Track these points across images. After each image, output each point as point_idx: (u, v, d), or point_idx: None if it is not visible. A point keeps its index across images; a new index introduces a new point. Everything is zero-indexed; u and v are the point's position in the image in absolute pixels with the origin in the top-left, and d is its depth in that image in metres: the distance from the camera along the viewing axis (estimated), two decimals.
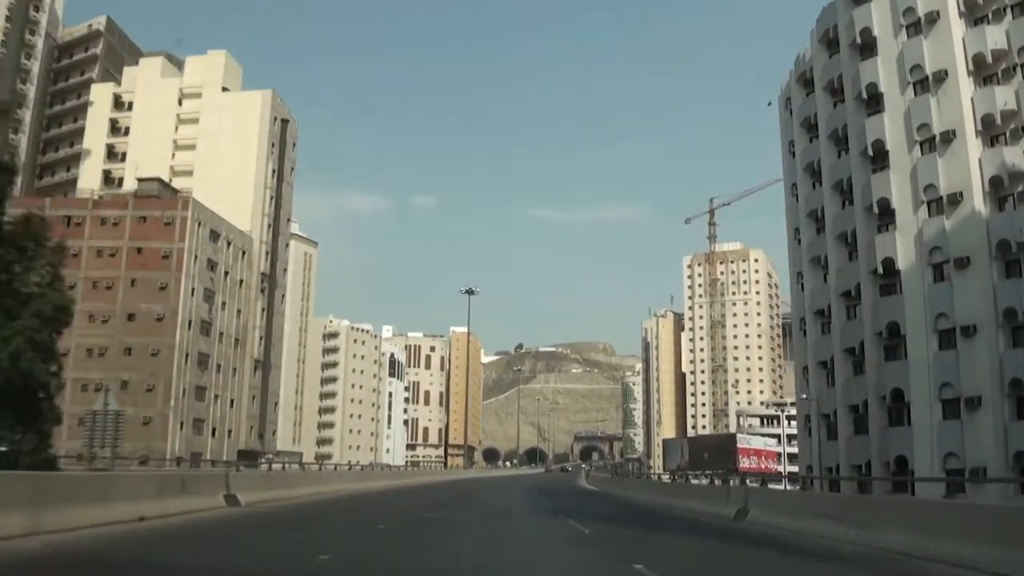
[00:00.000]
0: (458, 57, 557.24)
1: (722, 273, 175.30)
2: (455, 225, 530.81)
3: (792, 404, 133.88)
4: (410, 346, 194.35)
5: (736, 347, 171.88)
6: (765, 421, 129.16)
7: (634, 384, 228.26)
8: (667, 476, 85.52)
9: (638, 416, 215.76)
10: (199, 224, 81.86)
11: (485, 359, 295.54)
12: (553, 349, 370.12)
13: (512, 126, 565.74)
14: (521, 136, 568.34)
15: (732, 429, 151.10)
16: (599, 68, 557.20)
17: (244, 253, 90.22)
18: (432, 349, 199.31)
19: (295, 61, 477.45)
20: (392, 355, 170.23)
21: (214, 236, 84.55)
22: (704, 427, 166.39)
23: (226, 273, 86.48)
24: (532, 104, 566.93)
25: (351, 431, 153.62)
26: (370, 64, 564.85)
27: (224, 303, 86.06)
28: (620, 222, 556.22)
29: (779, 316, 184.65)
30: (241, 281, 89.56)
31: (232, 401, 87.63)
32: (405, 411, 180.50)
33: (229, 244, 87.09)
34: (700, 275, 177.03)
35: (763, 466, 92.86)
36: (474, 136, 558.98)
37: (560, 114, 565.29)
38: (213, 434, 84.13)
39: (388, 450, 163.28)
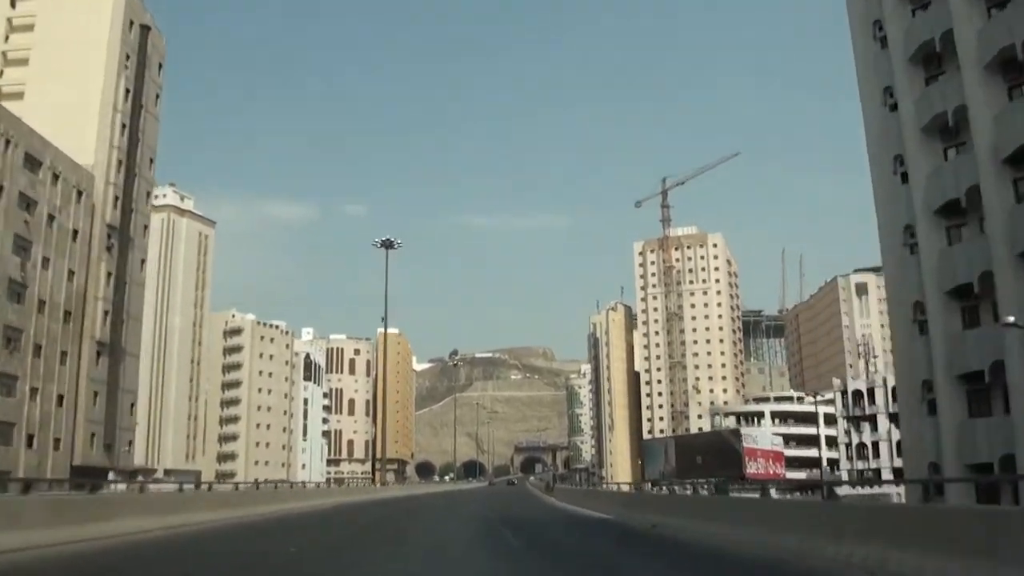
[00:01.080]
0: (389, 63, 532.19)
1: (678, 260, 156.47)
2: (385, 232, 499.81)
3: (777, 399, 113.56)
4: (332, 349, 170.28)
5: (696, 342, 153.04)
6: (744, 419, 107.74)
7: (580, 387, 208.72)
8: (650, 487, 62.43)
9: (585, 422, 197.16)
10: (8, 142, 56.05)
11: (418, 366, 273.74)
12: (490, 355, 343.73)
13: (444, 133, 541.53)
14: (456, 145, 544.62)
15: (694, 431, 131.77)
16: (535, 61, 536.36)
17: (81, 195, 64.12)
18: (356, 352, 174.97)
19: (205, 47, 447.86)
20: (308, 356, 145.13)
21: (32, 164, 58.62)
22: (662, 431, 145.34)
23: (51, 218, 60.44)
24: (466, 108, 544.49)
25: (259, 444, 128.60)
26: (303, 70, 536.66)
27: (47, 259, 59.99)
28: (556, 228, 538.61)
29: (739, 308, 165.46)
30: (75, 232, 63.52)
31: (61, 398, 61.35)
32: (326, 421, 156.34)
33: (57, 178, 61.04)
34: (653, 263, 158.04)
35: (771, 471, 70.44)
36: (408, 145, 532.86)
37: (494, 118, 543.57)
38: (29, 444, 57.74)
39: (304, 465, 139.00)
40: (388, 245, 65.41)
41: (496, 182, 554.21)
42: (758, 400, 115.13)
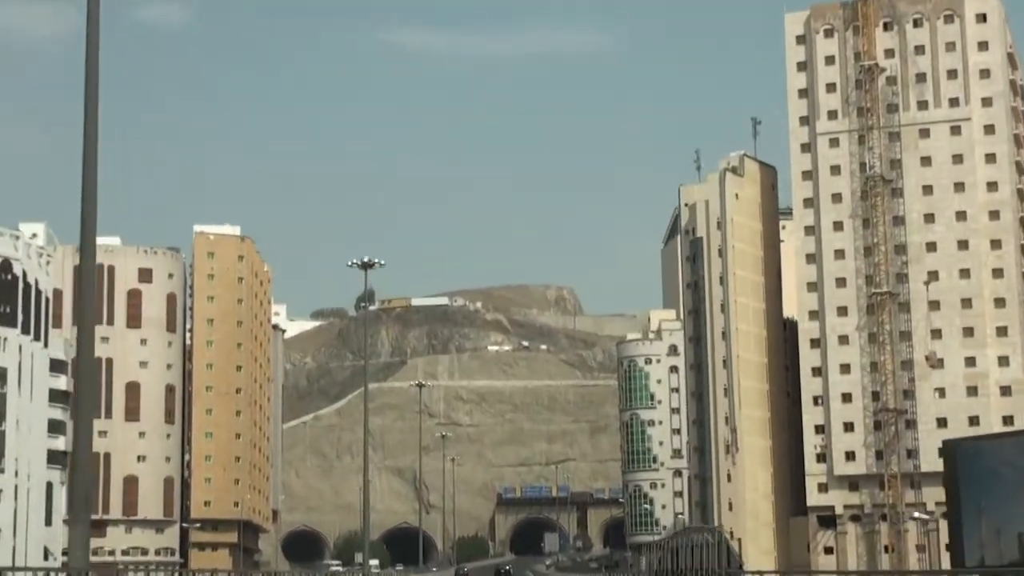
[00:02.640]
0: None
1: (889, 53, 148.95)
2: (226, 58, 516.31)
3: None
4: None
5: (933, 246, 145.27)
6: None
7: (648, 363, 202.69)
8: None
9: (660, 439, 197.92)
10: None
11: (292, 326, 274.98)
12: (445, 302, 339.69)
13: None
14: None
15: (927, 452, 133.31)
16: None
17: None
18: (146, 276, 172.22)
19: None
20: (10, 266, 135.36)
21: None
22: (851, 454, 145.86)
23: None
24: None
25: None
26: None
27: None
28: (581, 52, 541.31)
29: None
30: None
31: None
32: (62, 429, 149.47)
33: None
34: (831, 60, 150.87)
35: None
36: None
37: None
38: None
39: None
40: None
41: None
42: None
